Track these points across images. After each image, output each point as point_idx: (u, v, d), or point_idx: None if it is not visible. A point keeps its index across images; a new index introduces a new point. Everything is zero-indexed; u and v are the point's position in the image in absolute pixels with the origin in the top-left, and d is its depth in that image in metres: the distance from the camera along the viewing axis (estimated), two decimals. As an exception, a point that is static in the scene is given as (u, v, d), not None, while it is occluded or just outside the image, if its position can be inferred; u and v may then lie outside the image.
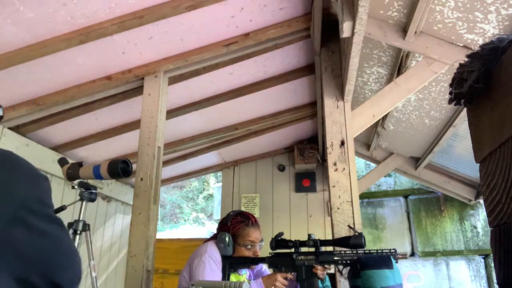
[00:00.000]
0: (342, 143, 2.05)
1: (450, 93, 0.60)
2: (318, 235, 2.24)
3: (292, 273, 1.71)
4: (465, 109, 2.55)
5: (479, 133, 0.58)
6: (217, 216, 6.70)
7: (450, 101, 0.61)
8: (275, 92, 3.07)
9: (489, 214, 0.55)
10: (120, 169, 1.85)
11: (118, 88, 2.45)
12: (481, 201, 4.17)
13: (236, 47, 2.28)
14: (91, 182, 2.03)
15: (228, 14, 2.09)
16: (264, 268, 2.01)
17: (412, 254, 4.42)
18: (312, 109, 3.49)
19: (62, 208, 1.91)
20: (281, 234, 1.77)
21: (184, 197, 12.00)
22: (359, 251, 1.54)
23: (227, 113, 3.26)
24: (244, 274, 1.95)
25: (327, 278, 1.79)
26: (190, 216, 11.59)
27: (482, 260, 4.15)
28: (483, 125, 0.56)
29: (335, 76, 2.24)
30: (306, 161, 4.14)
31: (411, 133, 3.50)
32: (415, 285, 4.19)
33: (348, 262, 1.55)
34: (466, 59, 0.58)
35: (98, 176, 1.89)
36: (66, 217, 2.21)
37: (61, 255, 0.55)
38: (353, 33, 1.55)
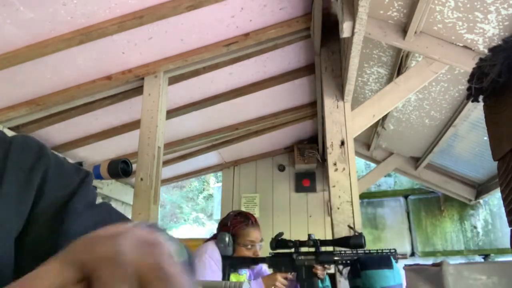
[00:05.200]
0: (342, 143, 2.05)
1: (469, 88, 0.60)
2: (318, 235, 2.23)
3: (292, 273, 1.71)
4: (465, 109, 2.54)
5: (498, 130, 0.57)
6: (217, 216, 6.70)
7: (468, 97, 0.61)
8: (275, 92, 3.07)
9: (508, 213, 0.55)
10: (120, 169, 1.85)
11: (118, 88, 2.45)
12: (481, 201, 4.17)
13: (236, 47, 2.28)
14: (91, 182, 2.03)
15: (228, 14, 2.09)
16: (264, 268, 2.01)
17: (412, 254, 4.42)
18: (312, 109, 3.49)
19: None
20: (281, 234, 1.77)
21: (184, 197, 11.99)
22: (359, 251, 1.54)
23: (227, 113, 3.26)
24: (244, 274, 1.95)
25: (327, 278, 1.79)
26: (190, 216, 11.59)
27: (482, 260, 4.15)
28: (503, 122, 0.56)
29: (335, 76, 2.24)
30: (306, 161, 4.14)
31: (411, 133, 3.50)
32: (415, 285, 4.19)
33: (348, 262, 1.55)
34: (487, 53, 0.58)
35: (98, 176, 1.89)
36: (66, 217, 2.22)
37: None
38: (353, 33, 1.55)
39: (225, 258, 1.81)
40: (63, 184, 0.49)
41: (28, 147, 0.49)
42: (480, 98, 0.60)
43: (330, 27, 2.23)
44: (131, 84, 2.42)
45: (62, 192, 0.48)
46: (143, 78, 2.34)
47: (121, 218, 0.55)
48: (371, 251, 1.51)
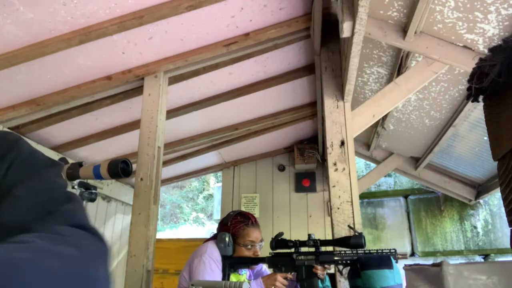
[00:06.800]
0: (342, 143, 2.05)
1: (469, 88, 0.60)
2: (318, 235, 2.23)
3: (292, 273, 1.71)
4: (465, 109, 2.53)
5: (498, 130, 0.57)
6: (217, 216, 6.70)
7: (468, 97, 0.61)
8: (275, 92, 3.07)
9: (508, 213, 0.55)
10: (120, 169, 1.85)
11: (118, 88, 2.45)
12: (481, 201, 4.17)
13: (236, 47, 2.28)
14: (91, 182, 2.03)
15: (228, 14, 2.09)
16: (264, 268, 2.01)
17: (412, 254, 4.42)
18: (312, 109, 3.49)
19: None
20: (281, 234, 1.77)
21: (184, 197, 11.99)
22: (359, 251, 1.54)
23: (227, 113, 3.26)
24: (244, 274, 1.95)
25: (327, 278, 1.79)
26: (190, 216, 11.60)
27: (482, 261, 4.15)
28: (502, 122, 0.56)
29: (335, 76, 2.24)
30: (306, 161, 4.14)
31: (411, 133, 3.50)
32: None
33: (348, 262, 1.55)
34: (487, 53, 0.58)
35: (98, 176, 1.89)
36: (66, 217, 2.21)
37: None
38: (353, 33, 1.55)
39: (225, 258, 1.81)
40: (27, 174, 0.52)
41: (3, 140, 0.54)
42: (480, 98, 0.60)
43: (330, 27, 2.23)
44: (131, 84, 2.42)
45: (16, 180, 0.50)
46: (143, 78, 2.34)
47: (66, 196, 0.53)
48: (371, 251, 1.51)
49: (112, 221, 3.90)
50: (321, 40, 2.26)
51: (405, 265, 0.82)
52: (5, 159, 0.51)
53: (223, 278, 1.77)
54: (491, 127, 0.59)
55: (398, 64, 2.54)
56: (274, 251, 1.75)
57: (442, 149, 3.52)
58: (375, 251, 1.51)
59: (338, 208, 1.93)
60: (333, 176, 2.00)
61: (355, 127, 2.11)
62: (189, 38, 2.21)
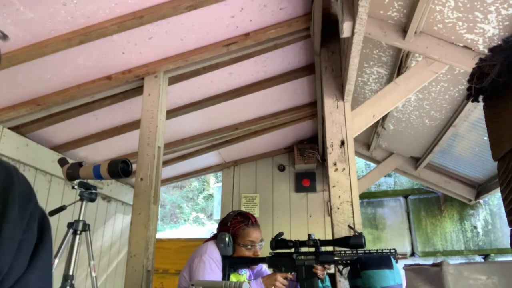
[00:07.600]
0: (342, 143, 2.05)
1: (469, 88, 0.60)
2: (318, 235, 2.24)
3: (292, 273, 1.71)
4: (465, 109, 2.53)
5: (498, 130, 0.57)
6: (217, 216, 6.70)
7: (468, 97, 0.61)
8: (275, 92, 3.07)
9: (508, 213, 0.55)
10: (120, 169, 1.85)
11: (118, 88, 2.45)
12: (481, 201, 4.17)
13: (236, 47, 2.28)
14: (91, 182, 2.03)
15: (228, 14, 2.09)
16: (264, 268, 2.01)
17: (412, 254, 4.42)
18: (312, 109, 3.50)
19: (62, 208, 1.92)
20: (281, 234, 1.77)
21: (184, 197, 11.99)
22: (359, 251, 1.54)
23: (227, 113, 3.26)
24: (244, 274, 1.95)
25: (327, 278, 1.79)
26: (190, 216, 11.59)
27: (482, 261, 4.15)
28: (502, 122, 0.56)
29: (335, 76, 2.24)
30: (306, 161, 4.14)
31: (411, 133, 3.50)
32: (415, 285, 4.18)
33: (348, 262, 1.55)
34: (487, 53, 0.58)
35: (98, 176, 1.89)
36: (66, 217, 2.22)
37: None
38: (353, 33, 1.55)
39: (225, 258, 1.81)
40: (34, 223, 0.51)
41: (24, 179, 0.53)
42: (480, 98, 0.60)
43: (330, 27, 2.23)
44: (131, 84, 2.42)
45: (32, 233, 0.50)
46: (143, 78, 2.34)
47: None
48: (371, 251, 1.51)
49: (112, 221, 3.90)
50: (321, 40, 2.26)
51: (405, 265, 0.82)
52: (32, 197, 0.50)
53: (223, 278, 1.77)
54: (491, 127, 0.59)
55: (398, 64, 2.54)
56: (274, 251, 1.75)
57: (442, 149, 3.52)
58: (375, 251, 1.51)
59: (338, 208, 1.93)
60: (333, 176, 2.00)
61: (355, 127, 2.11)
62: (189, 38, 2.21)
